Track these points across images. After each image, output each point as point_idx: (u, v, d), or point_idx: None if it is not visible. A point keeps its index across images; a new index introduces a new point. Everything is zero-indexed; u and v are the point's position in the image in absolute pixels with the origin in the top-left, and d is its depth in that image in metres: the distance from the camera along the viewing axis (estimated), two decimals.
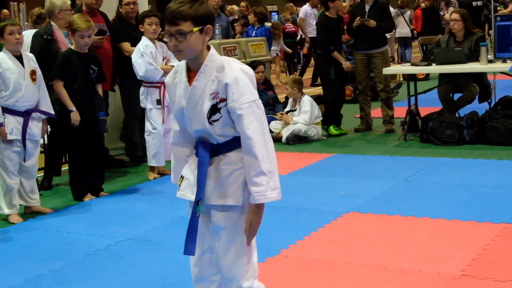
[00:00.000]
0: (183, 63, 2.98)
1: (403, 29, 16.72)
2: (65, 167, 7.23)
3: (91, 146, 6.34)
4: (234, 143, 2.93)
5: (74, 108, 6.09)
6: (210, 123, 2.88)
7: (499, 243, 4.55)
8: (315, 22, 13.01)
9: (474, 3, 16.28)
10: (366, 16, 8.76)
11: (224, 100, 2.86)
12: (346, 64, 8.84)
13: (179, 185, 3.10)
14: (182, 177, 3.09)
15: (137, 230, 5.30)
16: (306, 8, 15.57)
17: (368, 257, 4.43)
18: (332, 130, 8.83)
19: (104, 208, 6.08)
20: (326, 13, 8.93)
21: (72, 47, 6.26)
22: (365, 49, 8.84)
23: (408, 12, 17.13)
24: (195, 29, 2.81)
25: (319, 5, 13.61)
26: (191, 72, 2.93)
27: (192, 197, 2.99)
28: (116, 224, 5.57)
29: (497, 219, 5.00)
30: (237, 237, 3.01)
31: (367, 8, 8.87)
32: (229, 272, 3.05)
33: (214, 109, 2.87)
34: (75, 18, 6.22)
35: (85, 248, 4.96)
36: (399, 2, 17.40)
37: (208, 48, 2.92)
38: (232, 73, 2.86)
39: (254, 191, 2.86)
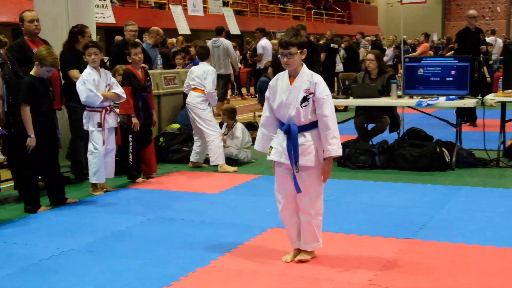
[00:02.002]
0: (284, 72, 4.42)
1: (338, 65, 16.95)
2: (5, 184, 7.11)
3: (52, 160, 6.39)
4: (311, 125, 4.34)
5: (32, 134, 6.08)
6: (302, 107, 4.26)
7: (402, 256, 4.65)
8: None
9: (332, 45, 16.69)
10: None
11: (312, 93, 4.29)
12: None
13: (269, 153, 4.47)
14: (271, 147, 4.46)
15: (79, 242, 5.22)
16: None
17: (288, 268, 4.47)
18: None
19: (49, 221, 5.96)
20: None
21: (33, 73, 6.22)
22: None
23: (342, 51, 17.40)
24: (298, 51, 4.29)
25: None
26: (291, 78, 4.37)
27: (280, 159, 4.39)
28: (60, 236, 5.46)
29: (401, 235, 5.11)
30: (311, 183, 4.39)
31: None
32: (307, 202, 4.40)
33: (304, 99, 4.28)
34: (43, 51, 6.18)
35: (30, 258, 4.84)
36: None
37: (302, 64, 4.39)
38: (318, 78, 4.36)
39: (330, 148, 4.28)
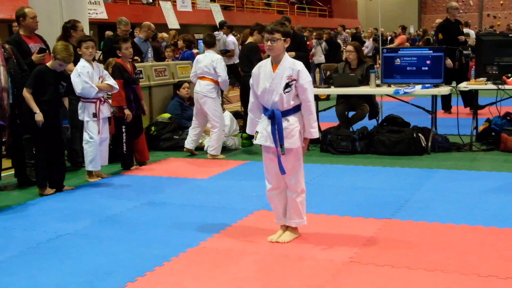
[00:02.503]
0: (266, 61, 4.48)
1: (320, 56, 16.95)
2: (6, 172, 7.09)
3: (54, 149, 6.40)
4: (294, 110, 4.40)
5: (38, 110, 6.17)
6: (284, 93, 4.33)
7: (381, 235, 4.69)
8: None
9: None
10: None
11: (295, 80, 4.34)
12: None
13: (255, 137, 4.54)
14: (257, 132, 4.53)
15: (76, 226, 5.22)
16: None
17: (274, 247, 4.49)
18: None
19: (46, 207, 5.95)
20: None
21: (48, 64, 6.35)
22: None
23: (324, 43, 17.38)
24: (282, 38, 4.35)
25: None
26: (273, 65, 4.40)
27: (265, 143, 4.46)
28: (57, 220, 5.46)
29: (380, 215, 5.14)
30: (295, 163, 4.48)
31: None
32: (293, 180, 4.50)
33: (287, 85, 4.34)
34: (60, 47, 6.29)
35: (28, 242, 4.84)
36: (315, 34, 17.66)
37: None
38: (300, 66, 4.39)
39: (312, 131, 4.43)
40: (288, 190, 4.57)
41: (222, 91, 8.50)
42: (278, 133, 4.37)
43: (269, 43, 4.37)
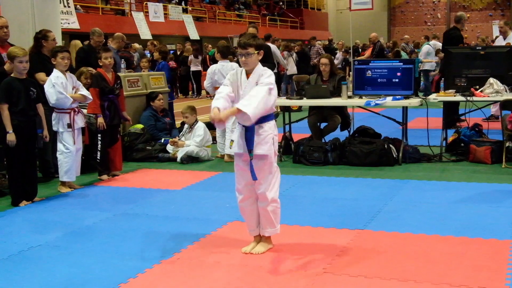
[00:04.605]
0: (241, 69, 4.48)
1: (293, 67, 17.03)
2: None
3: (27, 158, 6.32)
4: (267, 117, 4.40)
5: (11, 130, 6.09)
6: None
7: (354, 245, 4.70)
8: None
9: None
10: None
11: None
12: None
13: (231, 146, 4.53)
14: (232, 140, 4.52)
15: (47, 237, 5.14)
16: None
17: (248, 258, 4.48)
18: None
19: (17, 218, 5.86)
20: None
21: (12, 75, 6.29)
22: None
23: (294, 55, 17.46)
24: (255, 52, 4.38)
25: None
26: (247, 74, 4.42)
27: (240, 151, 4.42)
28: (29, 232, 5.38)
29: (353, 226, 5.16)
30: (268, 171, 4.44)
31: None
32: (262, 189, 4.43)
33: None
34: (13, 48, 6.33)
35: None
36: (282, 44, 17.73)
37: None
38: (267, 72, 4.39)
39: (243, 103, 4.20)
40: (258, 200, 4.53)
41: None
42: (250, 139, 4.36)
43: (243, 58, 4.39)
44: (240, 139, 4.45)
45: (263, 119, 4.39)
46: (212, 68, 8.80)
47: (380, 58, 15.53)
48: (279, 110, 13.10)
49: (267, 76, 4.37)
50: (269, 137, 4.42)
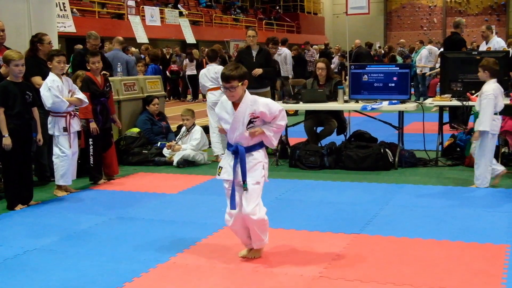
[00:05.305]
0: (226, 99, 4.37)
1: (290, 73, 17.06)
2: None
3: (23, 162, 6.32)
4: (256, 146, 4.37)
5: (6, 134, 6.10)
6: (248, 129, 4.29)
7: (350, 249, 4.71)
8: None
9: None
10: (254, 60, 8.89)
11: (257, 117, 4.30)
12: None
13: (219, 173, 4.44)
14: (220, 167, 4.43)
15: (43, 241, 5.13)
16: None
17: (244, 262, 4.48)
18: None
19: (13, 222, 5.85)
20: None
21: (8, 78, 6.28)
22: (253, 88, 8.77)
23: (291, 59, 17.47)
24: (240, 84, 4.23)
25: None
26: (234, 104, 4.31)
27: (229, 178, 4.34)
28: (25, 236, 5.37)
29: (349, 230, 5.17)
30: (255, 196, 4.34)
31: (254, 53, 9.00)
32: (248, 209, 4.31)
33: (250, 123, 4.30)
34: (8, 51, 6.33)
35: None
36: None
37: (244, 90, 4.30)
38: (262, 103, 4.31)
39: (271, 130, 4.36)
40: (245, 219, 4.40)
41: None
42: (241, 169, 4.32)
43: (228, 92, 4.29)
44: (229, 166, 4.38)
45: (253, 148, 4.38)
46: (201, 72, 9.17)
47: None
48: None
49: (273, 108, 4.33)
50: (258, 165, 4.37)
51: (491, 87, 6.53)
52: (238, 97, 4.29)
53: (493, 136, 6.59)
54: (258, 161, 4.37)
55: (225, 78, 4.24)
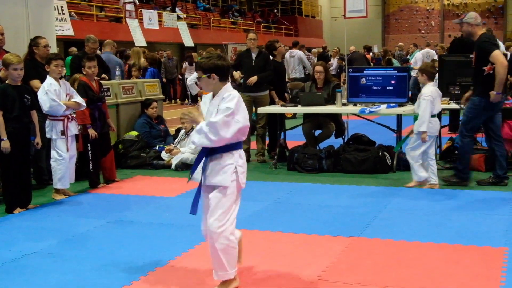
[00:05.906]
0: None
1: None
2: None
3: (21, 165, 6.32)
4: (230, 147, 3.86)
5: (5, 137, 6.10)
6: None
7: (349, 253, 4.71)
8: None
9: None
10: (254, 63, 8.87)
11: None
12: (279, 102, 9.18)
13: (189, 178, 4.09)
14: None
15: (42, 245, 5.12)
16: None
17: (243, 266, 4.47)
18: None
19: (12, 225, 5.84)
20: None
21: (7, 82, 6.29)
22: (252, 91, 8.83)
23: None
24: (204, 76, 3.86)
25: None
26: (214, 97, 3.93)
27: (199, 178, 3.98)
28: (23, 239, 5.36)
29: (348, 233, 5.17)
30: (221, 203, 3.87)
31: (253, 56, 8.99)
32: (211, 220, 3.88)
33: None
34: (7, 55, 6.34)
35: None
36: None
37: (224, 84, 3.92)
38: (229, 95, 3.83)
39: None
40: (208, 233, 3.92)
41: None
42: (202, 165, 3.93)
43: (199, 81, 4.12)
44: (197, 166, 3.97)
45: (223, 148, 3.86)
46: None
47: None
48: None
49: (227, 101, 3.80)
50: (228, 167, 3.86)
51: (429, 90, 6.90)
52: (209, 89, 3.96)
53: (429, 138, 6.86)
54: (227, 163, 3.86)
55: (196, 65, 4.28)
